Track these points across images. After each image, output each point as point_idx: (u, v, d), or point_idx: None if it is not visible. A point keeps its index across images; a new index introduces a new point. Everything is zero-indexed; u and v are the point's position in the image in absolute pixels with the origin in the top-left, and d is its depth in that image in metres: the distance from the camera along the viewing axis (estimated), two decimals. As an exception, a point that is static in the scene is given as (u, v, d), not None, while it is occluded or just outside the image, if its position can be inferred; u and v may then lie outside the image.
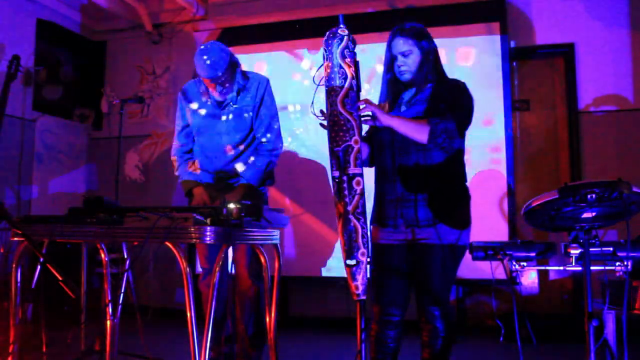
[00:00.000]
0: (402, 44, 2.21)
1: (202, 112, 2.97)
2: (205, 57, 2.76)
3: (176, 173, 3.09)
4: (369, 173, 2.28)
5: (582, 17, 4.50)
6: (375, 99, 2.20)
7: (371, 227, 2.29)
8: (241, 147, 2.95)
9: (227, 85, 2.85)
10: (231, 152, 2.94)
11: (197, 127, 3.00)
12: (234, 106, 2.92)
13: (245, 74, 2.96)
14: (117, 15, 5.40)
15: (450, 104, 2.14)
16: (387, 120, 2.05)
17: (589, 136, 4.44)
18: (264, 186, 3.00)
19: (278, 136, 3.00)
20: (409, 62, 2.22)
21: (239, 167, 2.94)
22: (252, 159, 2.94)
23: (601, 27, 4.45)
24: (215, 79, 2.79)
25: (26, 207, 4.93)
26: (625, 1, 4.43)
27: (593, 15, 4.48)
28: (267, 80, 3.01)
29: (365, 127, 2.22)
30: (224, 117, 2.93)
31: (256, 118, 2.94)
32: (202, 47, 2.83)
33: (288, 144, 4.85)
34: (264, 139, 2.95)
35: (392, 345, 2.22)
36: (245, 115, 2.93)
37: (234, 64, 2.86)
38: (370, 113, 2.03)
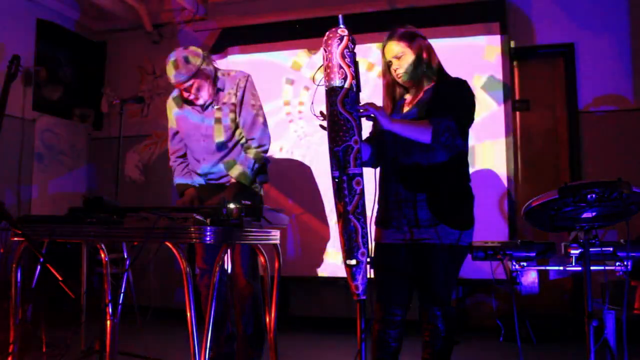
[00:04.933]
0: (394, 48, 2.24)
1: (187, 116, 2.97)
2: (171, 66, 2.77)
3: (173, 177, 3.12)
4: (369, 173, 2.28)
5: (582, 17, 4.50)
6: (375, 99, 2.20)
7: (375, 227, 2.29)
8: (228, 147, 2.94)
9: (199, 90, 2.83)
10: (218, 153, 2.94)
11: (184, 132, 3.01)
12: (216, 107, 2.91)
13: (223, 73, 2.95)
14: (117, 15, 5.39)
15: (452, 102, 2.14)
16: (388, 125, 2.04)
17: (589, 136, 4.44)
18: (256, 184, 2.99)
19: (264, 132, 2.96)
20: (404, 64, 2.23)
21: (227, 167, 2.94)
22: (240, 157, 2.93)
23: (601, 27, 4.45)
24: (182, 84, 2.79)
25: (26, 207, 4.93)
26: (625, 1, 4.43)
27: (593, 15, 4.47)
28: (248, 76, 2.97)
29: (367, 128, 2.22)
30: (207, 120, 2.92)
31: (239, 116, 2.92)
32: (170, 54, 2.82)
33: (288, 144, 4.85)
34: (249, 136, 2.94)
35: (394, 344, 2.22)
36: (228, 115, 2.91)
37: (203, 71, 2.81)
38: (373, 116, 2.02)
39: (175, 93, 3.05)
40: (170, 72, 2.77)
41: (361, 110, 2.00)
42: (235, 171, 2.90)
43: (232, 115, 2.91)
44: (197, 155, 2.98)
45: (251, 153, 2.92)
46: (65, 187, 5.38)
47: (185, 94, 2.85)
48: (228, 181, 2.94)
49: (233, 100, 2.91)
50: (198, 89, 2.83)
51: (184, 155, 3.09)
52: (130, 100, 3.85)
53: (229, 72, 2.99)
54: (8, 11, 4.79)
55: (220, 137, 2.92)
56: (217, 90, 2.89)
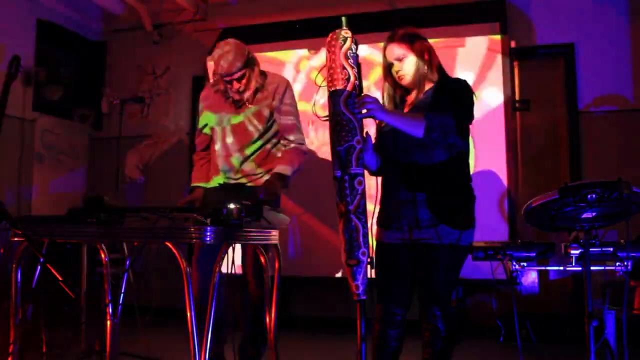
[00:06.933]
0: (395, 50, 2.23)
1: (221, 111, 2.96)
2: (222, 54, 2.77)
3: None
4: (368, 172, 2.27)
5: (582, 17, 4.50)
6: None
7: (376, 227, 2.29)
8: (255, 147, 2.93)
9: (244, 82, 2.84)
10: (244, 151, 2.93)
11: (214, 128, 3.00)
12: (250, 106, 2.91)
13: (263, 73, 2.96)
14: (117, 15, 5.39)
15: (450, 101, 2.14)
16: (382, 114, 2.05)
17: (589, 136, 4.44)
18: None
19: (302, 135, 3.01)
20: (406, 66, 2.23)
21: (251, 166, 2.92)
22: (279, 155, 2.93)
23: (601, 27, 4.45)
24: (232, 75, 2.79)
25: (26, 207, 4.93)
26: (625, 1, 4.43)
27: (593, 16, 4.47)
28: (287, 82, 3.01)
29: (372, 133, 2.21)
30: (239, 117, 2.92)
31: (280, 121, 2.93)
32: (220, 44, 2.83)
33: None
34: (292, 137, 2.94)
35: (394, 344, 2.22)
36: (261, 115, 2.90)
37: (252, 61, 2.86)
38: (366, 111, 2.02)
39: (208, 88, 3.05)
40: (226, 61, 2.76)
41: (363, 111, 2.00)
42: (281, 165, 2.87)
43: (265, 116, 2.91)
44: (223, 151, 2.97)
45: (295, 152, 2.93)
46: (65, 187, 5.38)
47: (236, 85, 2.84)
48: (246, 183, 2.91)
49: (270, 102, 2.91)
50: (249, 79, 2.84)
51: (207, 148, 3.09)
52: (130, 100, 3.86)
53: (267, 72, 3.00)
54: (8, 11, 4.79)
55: (249, 136, 2.91)
56: (256, 88, 2.90)
